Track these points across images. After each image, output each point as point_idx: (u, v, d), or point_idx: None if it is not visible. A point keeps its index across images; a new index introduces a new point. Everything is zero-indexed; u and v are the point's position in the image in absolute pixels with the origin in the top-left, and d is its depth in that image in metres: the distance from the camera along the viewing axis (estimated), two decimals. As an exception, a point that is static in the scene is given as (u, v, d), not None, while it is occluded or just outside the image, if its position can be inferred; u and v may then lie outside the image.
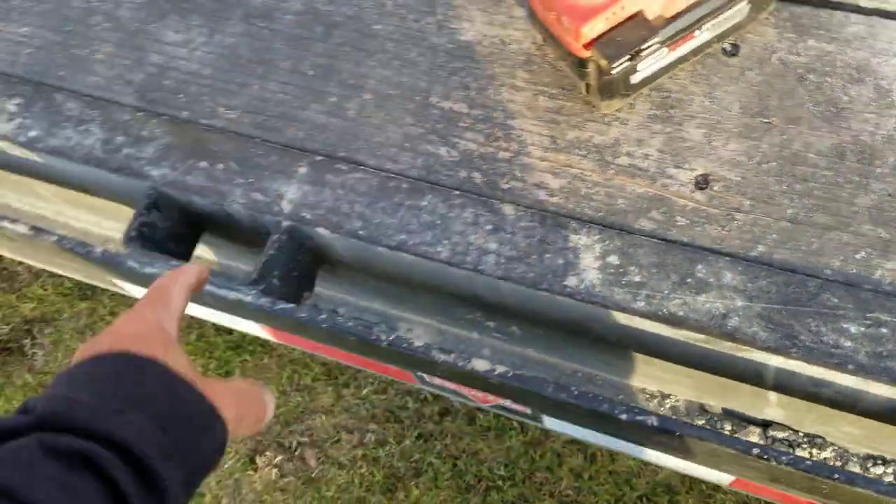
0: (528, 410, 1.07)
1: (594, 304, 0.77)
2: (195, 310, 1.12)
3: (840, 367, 0.72)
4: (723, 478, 0.96)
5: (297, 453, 1.83)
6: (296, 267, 0.89)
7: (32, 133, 0.95)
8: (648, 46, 0.75)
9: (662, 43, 0.77)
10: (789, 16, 0.86)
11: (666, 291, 0.77)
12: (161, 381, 0.54)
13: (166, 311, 0.62)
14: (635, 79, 0.80)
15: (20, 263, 2.10)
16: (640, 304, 0.76)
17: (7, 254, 1.31)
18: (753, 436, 0.92)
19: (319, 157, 0.88)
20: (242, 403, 0.60)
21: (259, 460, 1.82)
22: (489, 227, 0.82)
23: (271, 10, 0.97)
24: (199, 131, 0.92)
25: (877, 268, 0.75)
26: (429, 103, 0.89)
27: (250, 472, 1.82)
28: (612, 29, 0.74)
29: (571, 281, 0.78)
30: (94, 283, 1.29)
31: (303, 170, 0.88)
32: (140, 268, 0.87)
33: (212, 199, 0.88)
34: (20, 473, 0.44)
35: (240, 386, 0.61)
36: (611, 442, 0.99)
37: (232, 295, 0.85)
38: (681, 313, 0.75)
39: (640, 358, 0.88)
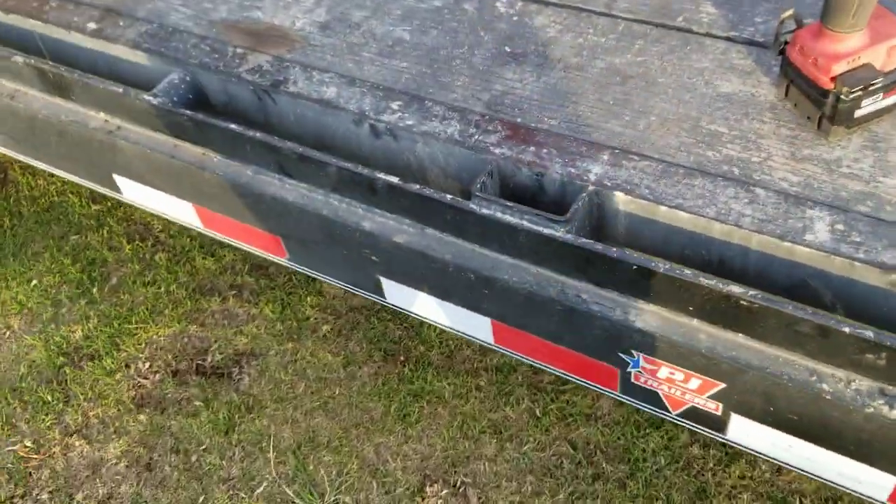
0: (719, 412, 1.33)
1: (825, 252, 1.09)
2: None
3: None
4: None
5: (460, 490, 2.05)
6: (589, 224, 1.24)
7: (409, 122, 1.38)
8: (873, 84, 1.13)
9: (881, 88, 1.14)
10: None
11: (878, 248, 1.08)
12: None
13: None
14: (857, 114, 1.16)
15: (242, 306, 2.51)
16: (860, 256, 1.07)
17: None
18: None
19: (617, 151, 1.26)
20: None
21: (428, 489, 2.04)
22: (746, 200, 1.16)
23: (583, 65, 1.41)
24: (529, 130, 1.32)
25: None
26: (699, 126, 1.27)
27: (418, 500, 2.03)
28: (849, 70, 1.12)
29: (809, 237, 1.10)
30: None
31: (605, 157, 1.26)
32: (479, 209, 1.24)
33: (537, 171, 1.26)
34: None
35: None
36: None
37: (547, 231, 1.20)
38: (891, 263, 1.06)
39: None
